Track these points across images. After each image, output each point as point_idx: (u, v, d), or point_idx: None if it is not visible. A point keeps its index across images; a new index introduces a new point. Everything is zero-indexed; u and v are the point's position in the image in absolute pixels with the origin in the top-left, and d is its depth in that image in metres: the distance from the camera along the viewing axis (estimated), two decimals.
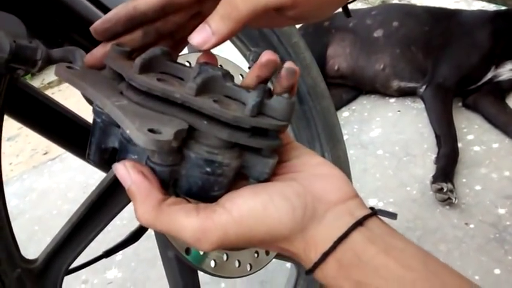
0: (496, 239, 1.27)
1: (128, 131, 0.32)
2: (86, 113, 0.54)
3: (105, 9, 0.55)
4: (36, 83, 3.16)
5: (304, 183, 0.38)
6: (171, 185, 0.37)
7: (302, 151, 0.42)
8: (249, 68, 0.56)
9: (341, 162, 1.01)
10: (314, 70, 0.99)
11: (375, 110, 1.96)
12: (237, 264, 0.64)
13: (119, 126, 0.38)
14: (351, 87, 2.07)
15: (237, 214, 0.35)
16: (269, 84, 0.41)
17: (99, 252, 0.82)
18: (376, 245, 0.36)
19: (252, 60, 0.74)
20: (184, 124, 0.35)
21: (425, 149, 1.67)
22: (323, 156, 0.93)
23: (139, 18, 0.41)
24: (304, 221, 0.36)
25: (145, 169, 0.36)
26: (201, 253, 0.60)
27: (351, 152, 1.69)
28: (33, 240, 1.79)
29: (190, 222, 0.35)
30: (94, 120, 0.40)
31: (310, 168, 0.40)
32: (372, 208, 0.39)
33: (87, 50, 0.42)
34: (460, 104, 1.82)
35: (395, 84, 1.95)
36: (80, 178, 2.09)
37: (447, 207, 1.40)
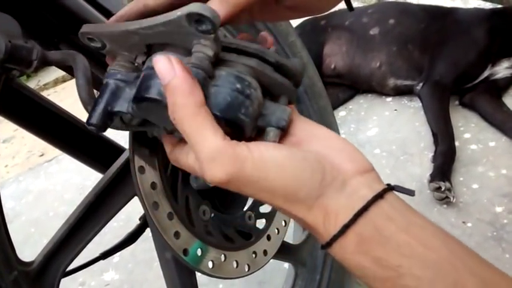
0: (494, 237, 1.27)
1: (185, 9, 0.35)
2: (81, 114, 0.54)
3: (102, 10, 0.55)
4: (32, 84, 3.15)
5: (322, 153, 0.38)
6: None
7: (308, 123, 0.42)
8: None
9: None
10: (311, 69, 0.99)
11: (372, 109, 1.96)
12: (235, 264, 0.63)
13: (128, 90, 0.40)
14: (348, 86, 2.07)
15: (258, 157, 0.35)
16: None
17: (96, 254, 0.81)
18: (397, 221, 0.35)
19: None
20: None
21: (423, 148, 1.67)
22: None
23: (149, 15, 0.41)
24: (322, 186, 0.36)
25: (189, 69, 0.36)
26: (199, 254, 0.60)
27: None
28: (30, 242, 1.78)
29: (214, 139, 0.35)
30: (106, 82, 0.41)
31: (324, 140, 0.40)
32: (388, 184, 0.38)
33: (84, 51, 0.42)
34: (457, 102, 1.82)
35: (392, 82, 1.95)
36: (77, 179, 2.09)
37: (445, 205, 1.40)
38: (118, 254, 0.82)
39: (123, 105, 0.40)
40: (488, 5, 2.20)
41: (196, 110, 0.35)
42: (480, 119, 1.72)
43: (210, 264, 0.59)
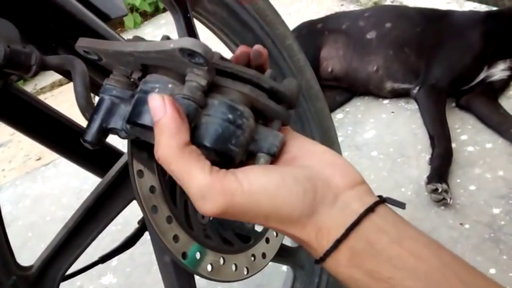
0: (491, 238, 1.27)
1: (178, 43, 0.35)
2: (78, 118, 0.54)
3: (100, 14, 0.55)
4: (29, 88, 3.15)
5: (313, 169, 0.38)
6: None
7: (304, 140, 0.42)
8: None
9: None
10: (308, 72, 0.99)
11: (369, 112, 1.97)
12: (233, 268, 0.63)
13: (128, 102, 0.40)
14: (345, 89, 2.07)
15: (248, 187, 0.36)
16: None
17: (94, 258, 0.81)
18: (389, 233, 0.36)
19: None
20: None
21: (420, 150, 1.67)
22: None
23: None
24: (314, 204, 0.36)
25: (181, 109, 0.36)
26: (198, 257, 0.60)
27: (345, 154, 1.69)
28: (27, 246, 1.78)
29: (202, 176, 0.35)
30: (101, 98, 0.41)
31: (315, 155, 0.40)
32: (380, 196, 0.39)
33: (82, 56, 0.42)
34: (454, 104, 1.83)
35: (389, 85, 1.95)
36: (74, 183, 2.08)
37: (442, 207, 1.41)
38: (116, 257, 0.82)
39: (117, 123, 0.41)
40: (484, 8, 2.21)
41: (178, 152, 0.35)
42: (477, 120, 1.72)
43: (209, 268, 0.59)
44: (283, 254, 0.81)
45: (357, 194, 0.38)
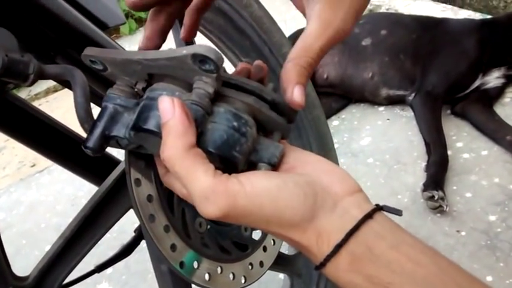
0: (488, 246, 1.27)
1: (192, 49, 0.36)
2: (73, 124, 0.54)
3: (98, 23, 0.55)
4: (23, 94, 3.14)
5: (313, 176, 0.39)
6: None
7: (301, 152, 0.43)
8: None
9: None
10: None
11: (365, 119, 1.97)
12: (231, 276, 0.63)
13: (131, 111, 0.41)
14: (340, 96, 2.08)
15: (250, 189, 0.36)
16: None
17: (89, 266, 0.80)
18: (387, 239, 0.36)
19: None
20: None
21: (416, 157, 1.68)
22: None
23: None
24: (315, 209, 0.37)
25: (189, 112, 0.37)
26: (195, 266, 0.60)
27: (341, 161, 1.69)
28: (21, 254, 1.76)
29: (205, 178, 0.36)
30: (105, 106, 0.41)
31: (312, 165, 0.41)
32: (377, 205, 0.40)
33: (82, 65, 0.42)
34: (449, 111, 1.84)
35: (384, 92, 1.96)
36: (69, 190, 2.07)
37: (438, 214, 1.41)
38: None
39: (120, 131, 0.41)
40: (479, 16, 2.23)
41: (184, 154, 0.36)
42: (472, 128, 1.73)
43: (207, 277, 0.59)
44: (281, 262, 0.81)
45: (355, 201, 0.39)
